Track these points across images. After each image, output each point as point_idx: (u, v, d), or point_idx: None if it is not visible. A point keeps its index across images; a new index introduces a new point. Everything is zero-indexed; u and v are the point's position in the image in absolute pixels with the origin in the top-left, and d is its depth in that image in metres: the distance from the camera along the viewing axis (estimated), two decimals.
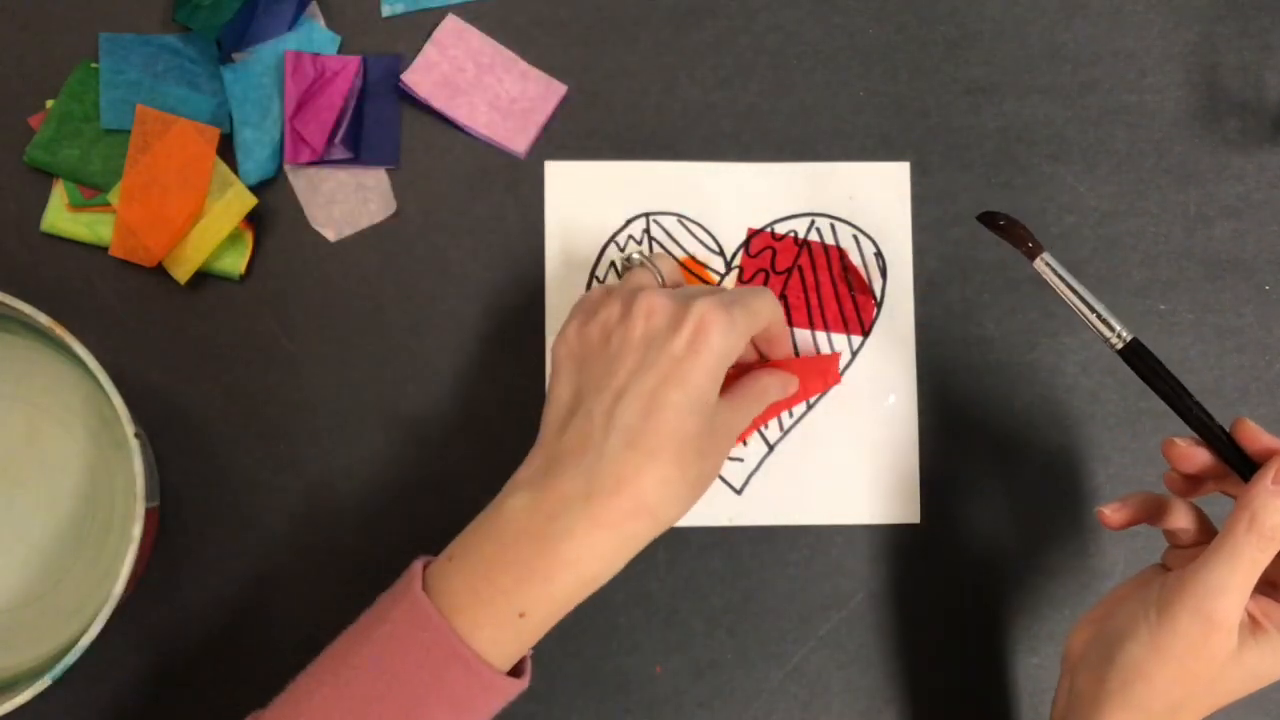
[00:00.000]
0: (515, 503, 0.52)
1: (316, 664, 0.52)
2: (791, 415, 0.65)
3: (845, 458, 0.65)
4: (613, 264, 0.65)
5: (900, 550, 0.64)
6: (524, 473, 0.54)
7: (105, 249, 0.62)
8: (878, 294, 0.65)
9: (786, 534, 0.64)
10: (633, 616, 0.64)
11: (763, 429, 0.65)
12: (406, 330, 0.64)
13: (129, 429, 0.55)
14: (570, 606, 0.52)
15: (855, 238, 0.65)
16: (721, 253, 0.65)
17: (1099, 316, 0.55)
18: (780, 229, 0.66)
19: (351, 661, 0.51)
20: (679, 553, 0.64)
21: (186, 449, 0.63)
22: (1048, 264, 0.56)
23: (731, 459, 0.64)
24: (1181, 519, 0.56)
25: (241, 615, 0.63)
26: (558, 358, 0.56)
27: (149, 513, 0.56)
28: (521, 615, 0.51)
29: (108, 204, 0.62)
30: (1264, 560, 0.51)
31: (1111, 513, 0.56)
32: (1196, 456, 0.55)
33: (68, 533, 0.61)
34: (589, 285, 0.65)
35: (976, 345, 0.65)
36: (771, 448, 0.65)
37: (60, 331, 0.55)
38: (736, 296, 0.56)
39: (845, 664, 0.64)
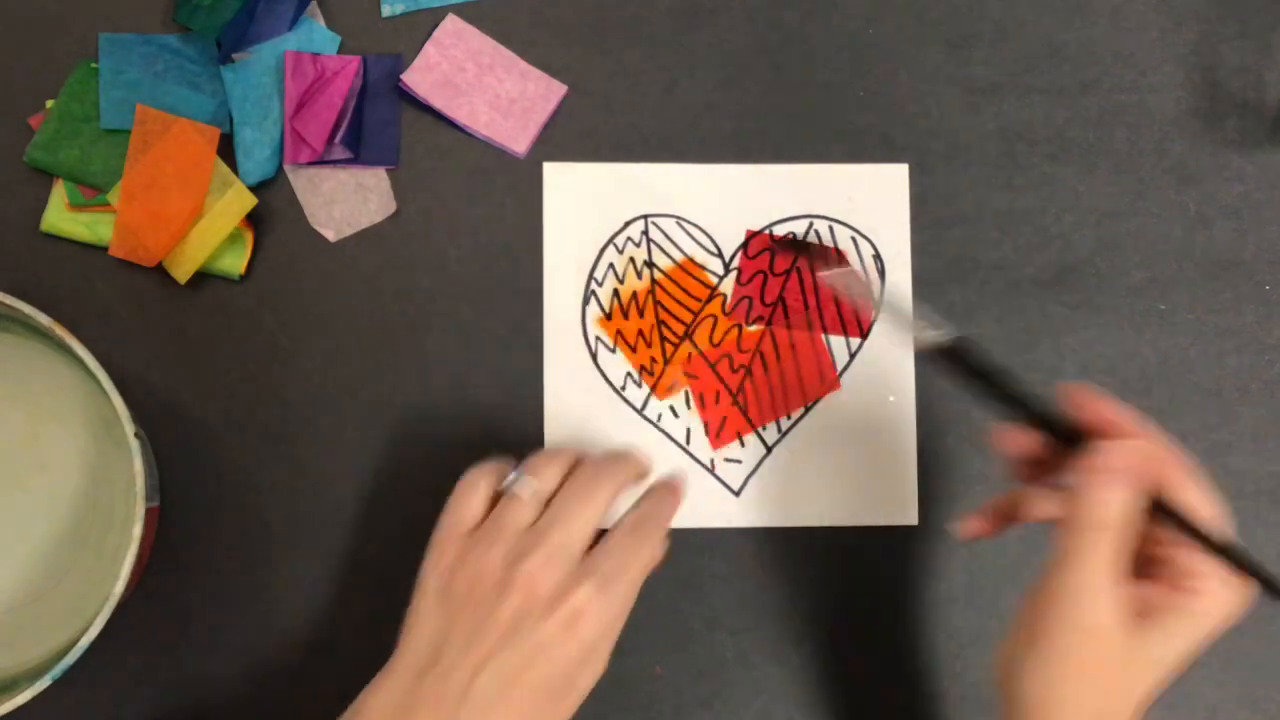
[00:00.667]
0: None
1: None
2: (790, 417, 0.65)
3: (843, 459, 0.65)
4: (611, 266, 0.65)
5: (899, 551, 0.65)
6: (379, 700, 0.53)
7: (105, 249, 0.62)
8: (876, 295, 0.65)
9: (785, 535, 0.64)
10: (633, 616, 0.64)
11: (761, 430, 0.65)
12: (406, 330, 0.64)
13: (129, 429, 0.55)
14: None
15: (854, 239, 0.66)
16: (720, 254, 0.65)
17: (911, 318, 0.53)
18: (779, 230, 0.65)
19: None
20: (679, 553, 0.64)
21: (186, 449, 0.63)
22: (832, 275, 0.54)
23: (730, 460, 0.64)
24: (1046, 508, 0.54)
25: (241, 615, 0.63)
26: (427, 586, 0.54)
27: (149, 513, 0.56)
28: None
29: (108, 204, 0.62)
30: (1113, 551, 0.49)
31: (964, 524, 0.55)
32: (1019, 439, 0.53)
33: (68, 533, 0.61)
34: (587, 285, 0.65)
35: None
36: (770, 449, 0.65)
37: (60, 331, 0.55)
38: (623, 563, 0.54)
39: (845, 664, 0.64)
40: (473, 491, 0.56)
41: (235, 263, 0.63)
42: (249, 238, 0.63)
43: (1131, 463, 0.50)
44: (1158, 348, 0.66)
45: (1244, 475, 0.65)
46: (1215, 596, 0.50)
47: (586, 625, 0.53)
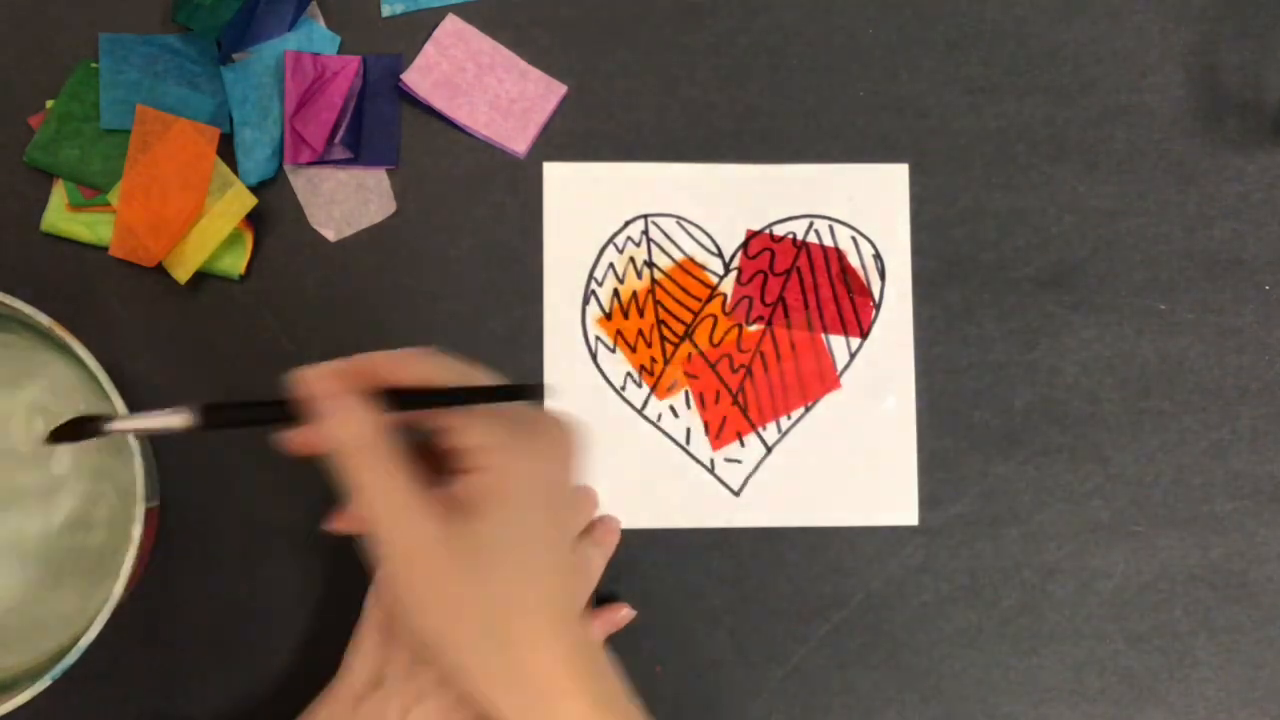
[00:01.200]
0: None
1: None
2: (790, 417, 0.65)
3: (843, 459, 0.65)
4: (611, 266, 0.65)
5: (899, 551, 0.65)
6: None
7: (105, 249, 0.62)
8: (876, 296, 0.65)
9: (785, 535, 0.64)
10: (633, 617, 0.64)
11: (761, 430, 0.65)
12: (406, 330, 0.64)
13: None
14: None
15: (854, 239, 0.66)
16: (720, 254, 0.65)
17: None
18: (779, 230, 0.66)
19: None
20: (679, 553, 0.64)
21: (186, 449, 0.63)
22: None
23: (730, 460, 0.64)
24: None
25: (241, 615, 0.63)
26: (370, 617, 0.57)
27: (149, 513, 0.56)
28: None
29: (108, 204, 0.62)
30: (385, 469, 0.45)
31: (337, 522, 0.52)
32: (301, 440, 0.48)
33: (67, 534, 0.61)
34: (587, 285, 0.65)
35: (976, 345, 0.65)
36: (770, 449, 0.65)
37: (60, 331, 0.55)
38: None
39: (845, 664, 0.64)
40: None
41: (235, 263, 0.63)
42: (249, 238, 0.63)
43: (323, 382, 0.46)
44: (1158, 348, 0.66)
45: (1244, 475, 0.65)
46: (495, 461, 0.47)
47: None
